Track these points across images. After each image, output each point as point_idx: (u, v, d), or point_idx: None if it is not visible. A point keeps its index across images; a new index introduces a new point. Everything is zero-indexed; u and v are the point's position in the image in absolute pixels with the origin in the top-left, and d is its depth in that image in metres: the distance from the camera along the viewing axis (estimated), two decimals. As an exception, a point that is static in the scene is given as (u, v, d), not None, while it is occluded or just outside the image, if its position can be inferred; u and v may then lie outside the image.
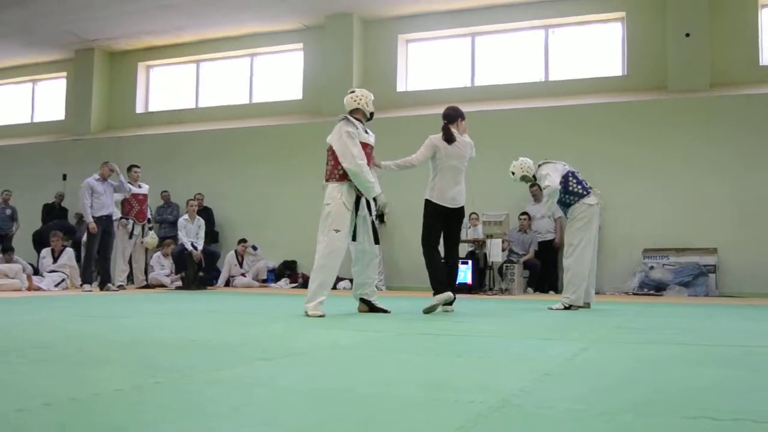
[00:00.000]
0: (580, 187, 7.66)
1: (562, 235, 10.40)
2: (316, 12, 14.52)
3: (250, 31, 15.54)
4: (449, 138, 7.04)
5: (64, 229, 13.08)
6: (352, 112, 6.61)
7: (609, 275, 11.88)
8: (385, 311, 6.64)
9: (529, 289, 11.96)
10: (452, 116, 7.23)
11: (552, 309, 7.48)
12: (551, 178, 7.63)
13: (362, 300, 6.71)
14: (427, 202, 7.05)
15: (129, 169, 12.27)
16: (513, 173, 8.09)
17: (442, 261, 7.07)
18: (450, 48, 14.74)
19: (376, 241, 6.67)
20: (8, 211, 14.41)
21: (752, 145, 11.54)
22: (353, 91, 6.75)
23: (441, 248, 7.15)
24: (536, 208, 12.02)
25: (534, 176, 8.02)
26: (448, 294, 6.75)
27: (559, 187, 7.60)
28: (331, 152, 6.40)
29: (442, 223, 7.06)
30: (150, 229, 12.53)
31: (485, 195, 11.99)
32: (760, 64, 12.29)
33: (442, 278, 6.85)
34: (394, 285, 12.89)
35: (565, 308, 7.46)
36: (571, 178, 7.68)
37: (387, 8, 14.27)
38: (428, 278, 6.95)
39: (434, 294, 6.81)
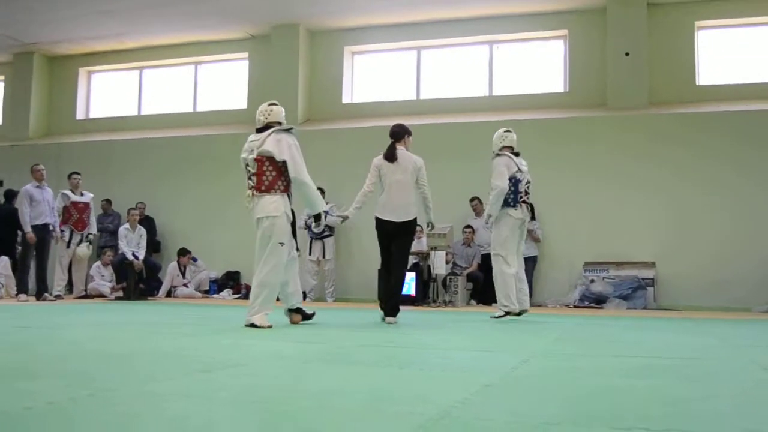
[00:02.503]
0: (512, 196, 7.74)
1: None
2: (262, 22, 14.46)
3: (194, 39, 15.39)
4: (390, 156, 7.30)
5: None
6: (271, 124, 6.45)
7: (550, 288, 12.07)
8: (311, 315, 6.76)
9: (473, 301, 12.06)
10: (398, 134, 7.47)
11: (495, 317, 7.58)
12: (501, 179, 7.66)
13: (293, 310, 6.69)
14: (375, 219, 7.26)
15: (69, 176, 11.99)
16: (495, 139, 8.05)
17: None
18: (396, 61, 14.83)
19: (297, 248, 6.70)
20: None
21: (688, 162, 11.86)
22: (275, 104, 6.62)
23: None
24: (478, 221, 12.13)
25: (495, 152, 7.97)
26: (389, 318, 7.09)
27: (507, 190, 7.65)
28: (269, 162, 6.24)
29: (387, 237, 7.22)
30: (89, 241, 12.19)
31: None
32: (697, 84, 12.64)
33: (386, 301, 7.26)
34: (343, 297, 12.87)
35: (505, 314, 7.56)
36: (510, 185, 7.74)
37: (333, 20, 14.29)
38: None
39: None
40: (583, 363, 4.12)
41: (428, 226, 7.81)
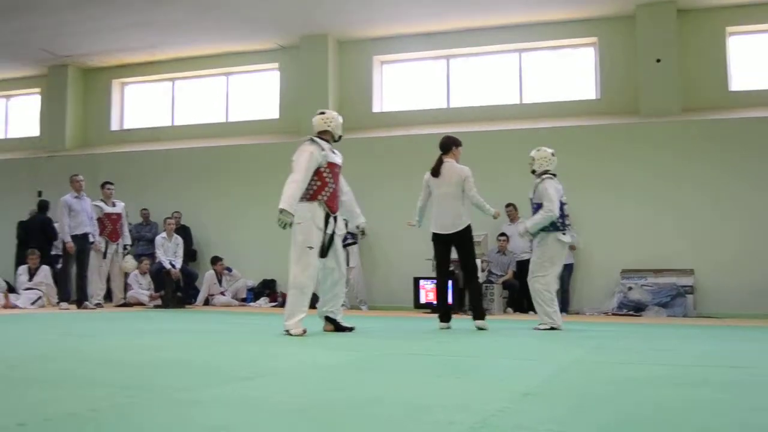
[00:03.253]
0: (560, 221, 7.67)
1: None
2: (291, 32, 14.59)
3: (225, 50, 15.56)
4: (435, 171, 7.60)
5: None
6: (320, 133, 6.71)
7: (588, 296, 12.05)
8: (349, 329, 6.73)
9: (509, 309, 12.06)
10: (446, 145, 7.74)
11: (539, 329, 7.55)
12: (554, 204, 7.52)
13: (327, 318, 6.75)
14: (432, 234, 7.60)
15: (102, 185, 12.15)
16: (538, 150, 7.92)
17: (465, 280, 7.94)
18: (425, 70, 14.91)
19: (324, 254, 6.55)
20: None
21: (726, 168, 11.82)
22: (323, 113, 6.87)
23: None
24: (512, 228, 12.13)
25: (534, 170, 7.91)
26: (445, 325, 7.43)
27: (557, 215, 7.57)
28: None
29: (442, 249, 7.56)
30: (127, 253, 12.40)
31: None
32: (729, 89, 12.61)
33: (440, 311, 7.58)
34: (376, 305, 12.94)
35: (551, 328, 7.54)
36: (561, 209, 7.71)
37: (362, 30, 14.40)
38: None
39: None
40: (622, 372, 4.09)
41: (495, 217, 8.17)
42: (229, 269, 13.74)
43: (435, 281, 7.94)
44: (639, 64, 12.84)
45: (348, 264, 12.42)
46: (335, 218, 6.57)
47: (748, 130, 11.83)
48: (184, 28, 14.36)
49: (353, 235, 12.27)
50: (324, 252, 6.50)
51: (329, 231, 6.51)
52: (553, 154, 7.88)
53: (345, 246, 12.26)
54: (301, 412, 2.62)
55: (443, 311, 7.56)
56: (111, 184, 12.20)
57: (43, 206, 13.20)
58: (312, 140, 6.57)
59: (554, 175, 7.91)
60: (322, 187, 6.48)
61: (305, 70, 14.78)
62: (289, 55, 15.21)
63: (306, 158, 6.41)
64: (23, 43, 15.26)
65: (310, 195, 6.44)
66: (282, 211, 6.21)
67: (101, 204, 11.97)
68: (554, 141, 12.55)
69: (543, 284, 7.61)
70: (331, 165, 6.58)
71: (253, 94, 16.04)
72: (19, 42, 15.17)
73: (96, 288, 11.84)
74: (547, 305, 7.58)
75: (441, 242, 7.52)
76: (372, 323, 7.30)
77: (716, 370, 4.24)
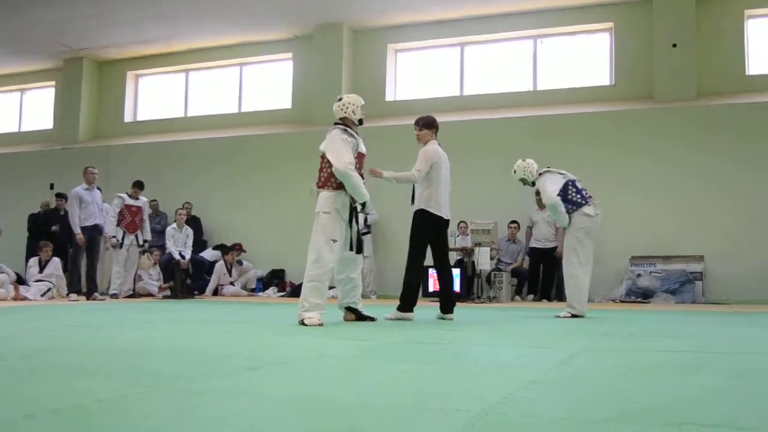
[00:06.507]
0: (579, 196, 7.64)
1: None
2: (305, 22, 14.56)
3: (239, 40, 15.57)
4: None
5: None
6: (340, 120, 6.54)
7: (597, 283, 11.81)
8: (371, 319, 6.64)
9: (517, 297, 11.99)
10: (437, 126, 7.31)
11: (559, 317, 7.47)
12: (548, 192, 7.61)
13: (348, 308, 6.66)
14: (425, 214, 7.07)
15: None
16: (515, 171, 8.04)
17: (442, 271, 7.27)
18: (439, 57, 14.81)
19: (359, 250, 6.53)
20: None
21: (739, 154, 11.63)
22: (340, 99, 6.66)
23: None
24: (539, 214, 11.99)
25: (533, 182, 7.99)
26: (412, 315, 7.00)
27: (558, 199, 7.57)
28: (326, 160, 6.32)
29: (434, 234, 7.13)
30: (144, 250, 12.44)
31: (473, 203, 12.03)
32: (747, 74, 12.39)
33: (415, 300, 7.08)
34: (384, 293, 12.88)
35: (572, 316, 7.46)
36: (570, 187, 7.67)
37: (376, 18, 14.33)
38: (404, 290, 7.07)
39: (401, 309, 7.02)
40: (630, 358, 4.06)
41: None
42: (240, 262, 13.72)
43: (417, 276, 7.34)
44: (654, 50, 12.65)
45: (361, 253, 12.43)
46: (364, 204, 6.41)
47: (764, 114, 11.61)
48: (199, 19, 14.40)
49: (368, 226, 12.23)
50: (359, 248, 6.44)
51: (355, 225, 6.39)
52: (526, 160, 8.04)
53: (362, 236, 12.33)
54: (308, 401, 2.63)
55: (453, 301, 7.28)
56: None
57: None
58: (344, 129, 6.39)
59: (547, 169, 7.92)
60: None
61: (319, 60, 14.74)
62: (304, 44, 15.17)
63: (342, 144, 6.24)
64: (39, 37, 15.42)
65: (337, 184, 6.27)
66: (366, 202, 6.35)
67: (123, 195, 11.99)
68: (567, 127, 12.53)
69: (576, 271, 7.55)
70: (360, 155, 6.48)
71: (267, 85, 16.01)
72: (35, 35, 15.32)
73: (115, 277, 11.87)
74: (577, 291, 7.51)
75: (438, 228, 7.16)
76: (380, 311, 7.20)
77: (724, 357, 4.19)
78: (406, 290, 7.07)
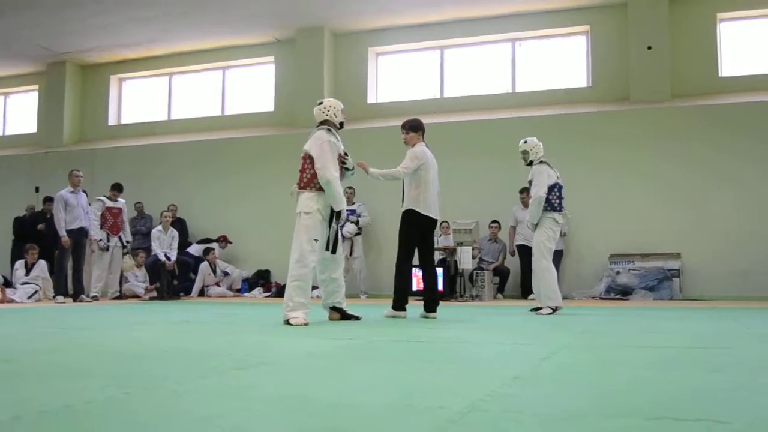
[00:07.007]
0: (558, 202, 7.94)
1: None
2: (287, 25, 14.69)
3: (221, 44, 15.66)
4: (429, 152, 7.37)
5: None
6: (321, 123, 6.65)
7: (576, 280, 12.15)
8: (356, 318, 6.72)
9: (499, 295, 12.17)
10: (424, 128, 7.49)
11: (541, 314, 7.69)
12: (541, 186, 7.83)
13: (333, 308, 6.74)
14: (413, 213, 7.21)
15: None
16: (525, 142, 8.15)
17: (426, 270, 7.41)
18: (419, 60, 14.99)
19: (334, 250, 6.56)
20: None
21: (712, 153, 11.88)
22: (321, 102, 6.79)
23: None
24: (524, 212, 12.16)
25: (531, 163, 8.12)
26: (405, 314, 7.17)
27: (545, 196, 7.82)
28: (309, 160, 6.41)
29: (421, 234, 7.30)
30: (126, 252, 12.56)
31: (455, 204, 12.22)
32: (720, 75, 12.66)
33: (406, 298, 7.25)
34: (373, 293, 13.03)
35: (553, 311, 7.72)
36: (555, 191, 7.92)
37: (357, 22, 14.48)
38: (395, 290, 7.23)
39: (395, 308, 7.20)
40: (610, 355, 4.16)
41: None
42: (226, 273, 13.82)
43: (407, 275, 7.47)
44: (630, 52, 12.91)
45: (352, 254, 12.62)
46: (339, 212, 6.46)
47: (737, 115, 11.88)
48: (182, 22, 14.47)
49: (359, 228, 12.52)
50: (334, 248, 6.50)
51: (334, 225, 6.50)
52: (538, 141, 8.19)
53: (349, 237, 12.50)
54: (289, 401, 2.65)
55: (436, 299, 7.44)
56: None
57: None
58: (329, 130, 6.52)
59: (547, 161, 8.12)
60: None
61: (301, 63, 14.88)
62: (285, 48, 15.31)
63: (329, 150, 6.36)
64: (22, 41, 15.40)
65: (319, 186, 6.37)
66: (342, 211, 6.40)
67: (103, 198, 12.11)
68: (546, 129, 12.68)
69: (550, 265, 7.85)
70: (341, 157, 6.59)
71: (249, 88, 16.13)
72: (18, 39, 15.30)
73: (95, 280, 11.98)
74: (550, 284, 7.77)
75: (425, 228, 7.30)
76: (367, 311, 7.33)
77: (702, 352, 4.31)
78: (395, 291, 7.26)
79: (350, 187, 12.30)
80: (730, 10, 12.78)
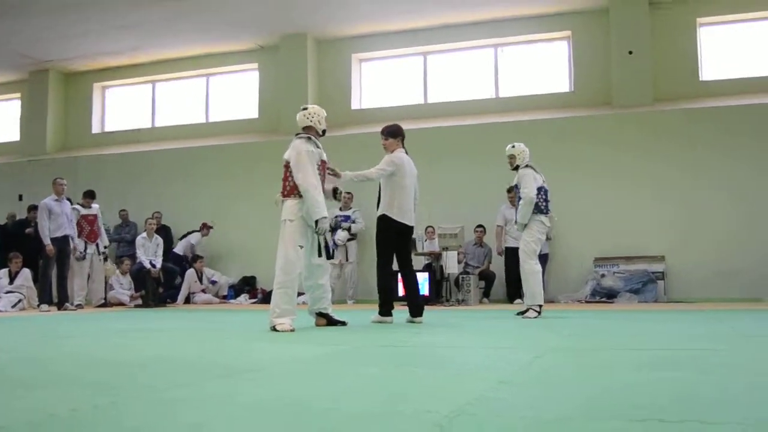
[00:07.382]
0: (544, 204, 8.05)
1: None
2: (270, 32, 14.70)
3: (205, 51, 15.64)
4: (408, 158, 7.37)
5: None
6: (304, 129, 6.68)
7: (562, 284, 12.21)
8: (342, 323, 6.72)
9: (485, 300, 12.21)
10: (403, 134, 7.51)
11: (528, 318, 7.77)
12: (529, 188, 7.93)
13: (319, 314, 6.75)
14: (387, 219, 7.22)
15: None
16: (513, 146, 8.28)
17: (406, 276, 7.42)
18: (403, 66, 15.04)
19: (329, 256, 6.68)
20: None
21: (694, 157, 12.00)
22: (305, 108, 6.81)
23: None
24: (513, 211, 12.15)
25: (516, 167, 8.22)
26: (391, 319, 7.19)
27: (535, 197, 7.93)
28: (290, 169, 6.45)
29: (397, 240, 7.29)
30: (105, 258, 12.51)
31: (440, 209, 12.27)
32: (701, 79, 12.79)
33: (392, 303, 7.29)
34: (366, 298, 13.01)
35: (538, 314, 7.80)
36: (541, 194, 8.03)
37: (340, 28, 14.51)
38: (379, 292, 7.27)
39: (381, 314, 7.22)
40: (596, 358, 4.18)
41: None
42: (213, 282, 13.79)
43: (387, 280, 7.44)
44: (612, 57, 13.02)
45: (348, 259, 12.64)
46: (324, 217, 6.46)
47: (718, 119, 12.01)
48: (165, 30, 14.44)
49: (353, 234, 12.56)
50: (328, 254, 6.57)
51: (320, 231, 6.50)
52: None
53: (341, 244, 12.50)
54: (280, 407, 2.66)
55: (421, 304, 7.46)
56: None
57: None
58: (308, 138, 6.55)
59: (533, 166, 8.24)
60: None
61: (284, 70, 14.90)
62: (269, 55, 15.32)
63: (307, 158, 6.39)
64: (3, 49, 15.29)
65: (301, 193, 6.42)
66: (320, 220, 6.33)
67: (78, 207, 12.07)
68: (529, 133, 12.74)
69: (537, 267, 8.00)
70: (322, 163, 6.61)
71: (233, 95, 16.13)
72: (0, 47, 15.17)
73: (78, 289, 11.91)
74: (535, 285, 7.91)
75: (401, 235, 7.30)
76: (353, 317, 7.34)
77: (687, 353, 4.35)
78: (379, 293, 7.30)
79: (348, 192, 12.31)
80: (710, 15, 12.91)
